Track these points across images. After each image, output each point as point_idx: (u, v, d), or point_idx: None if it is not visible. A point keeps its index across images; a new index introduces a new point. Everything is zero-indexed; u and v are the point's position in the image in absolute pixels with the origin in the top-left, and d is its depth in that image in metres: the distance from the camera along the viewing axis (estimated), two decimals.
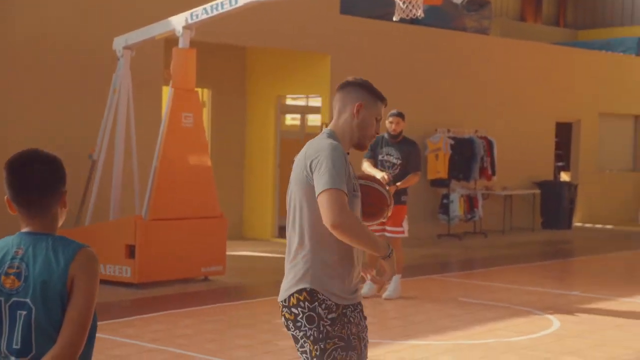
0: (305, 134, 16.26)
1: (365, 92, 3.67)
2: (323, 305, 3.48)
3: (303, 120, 16.59)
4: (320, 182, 3.43)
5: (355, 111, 3.63)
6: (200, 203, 10.43)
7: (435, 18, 16.13)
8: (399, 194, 9.12)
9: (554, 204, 17.48)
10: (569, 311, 9.02)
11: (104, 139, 10.61)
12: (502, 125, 17.04)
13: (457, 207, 15.54)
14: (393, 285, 9.25)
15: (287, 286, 3.55)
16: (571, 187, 17.75)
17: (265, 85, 14.96)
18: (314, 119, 16.55)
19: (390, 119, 9.37)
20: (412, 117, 15.21)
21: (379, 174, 8.67)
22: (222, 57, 14.69)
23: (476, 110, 16.60)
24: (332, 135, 3.60)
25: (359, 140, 3.64)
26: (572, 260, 13.92)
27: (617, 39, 21.09)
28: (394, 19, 9.79)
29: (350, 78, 3.74)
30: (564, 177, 19.57)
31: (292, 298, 3.51)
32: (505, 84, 17.35)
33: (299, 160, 3.61)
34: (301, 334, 3.49)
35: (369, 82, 3.72)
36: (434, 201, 15.81)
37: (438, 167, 15.38)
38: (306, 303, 3.48)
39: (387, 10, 11.87)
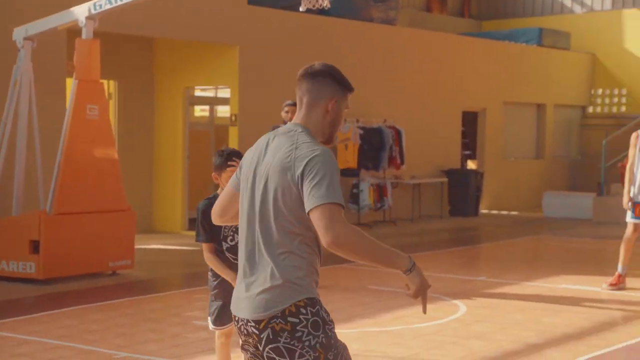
0: (214, 126, 16.17)
1: (336, 85, 3.37)
2: (324, 308, 3.19)
3: (212, 111, 16.49)
4: (318, 194, 3.06)
5: (329, 108, 3.32)
6: (107, 196, 10.27)
7: (342, 9, 16.23)
8: None
9: (461, 191, 17.83)
10: (476, 296, 9.23)
11: (5, 133, 10.34)
12: (410, 115, 17.28)
13: (366, 196, 15.70)
14: None
15: (279, 298, 3.13)
16: (477, 175, 18.13)
17: (173, 77, 14.80)
18: (223, 110, 16.46)
19: (286, 108, 9.42)
20: None
21: None
22: (129, 49, 14.46)
23: (384, 100, 16.78)
24: (309, 133, 3.26)
25: (329, 135, 3.34)
26: (479, 246, 14.23)
27: (519, 29, 21.61)
28: (301, 9, 9.81)
29: (317, 65, 3.41)
30: (471, 165, 19.98)
31: (290, 306, 3.14)
32: (413, 74, 17.58)
33: (281, 160, 3.18)
34: (301, 344, 3.09)
35: (338, 70, 3.44)
36: (343, 191, 15.87)
37: (347, 157, 15.50)
38: (308, 309, 3.12)
39: (294, 0, 11.89)
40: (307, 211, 3.07)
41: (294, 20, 14.97)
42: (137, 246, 10.95)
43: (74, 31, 10.79)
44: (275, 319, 3.11)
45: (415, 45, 17.77)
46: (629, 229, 9.46)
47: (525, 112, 21.13)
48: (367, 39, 16.53)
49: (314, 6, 9.64)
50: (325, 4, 9.51)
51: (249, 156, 3.34)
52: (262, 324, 3.13)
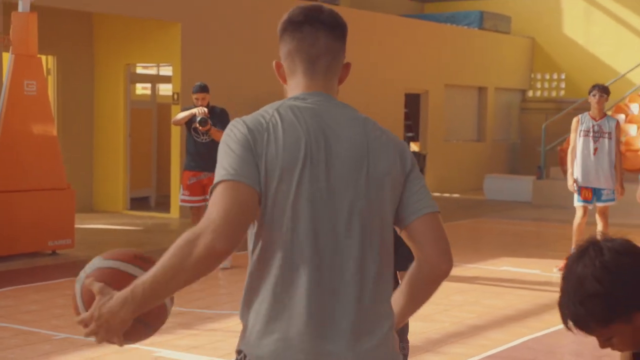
0: (156, 104, 15.96)
1: (344, 46, 2.60)
2: None
3: (154, 89, 16.27)
4: (428, 198, 2.46)
5: (346, 73, 2.66)
6: (46, 174, 10.07)
7: None
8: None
9: None
10: None
11: None
12: (352, 97, 17.26)
13: None
14: None
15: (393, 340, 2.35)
16: (420, 157, 18.22)
17: (113, 53, 14.54)
18: (165, 89, 16.25)
19: (195, 96, 9.39)
20: (261, 86, 15.19)
21: (195, 109, 9.21)
22: (68, 23, 14.16)
23: None
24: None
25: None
26: None
27: (461, 12, 21.74)
28: None
29: (330, 13, 2.56)
30: (414, 147, 20.08)
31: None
32: (355, 56, 17.54)
33: (387, 154, 2.36)
34: None
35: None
36: None
37: None
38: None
39: None
40: None
41: None
42: (77, 225, 10.77)
43: (10, 4, 10.51)
44: None
45: (358, 26, 17.74)
46: (578, 213, 9.56)
47: (467, 94, 21.32)
48: None
49: None
50: None
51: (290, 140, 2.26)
52: None
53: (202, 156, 9.31)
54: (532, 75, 22.73)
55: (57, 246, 10.10)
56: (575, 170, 9.56)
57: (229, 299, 8.13)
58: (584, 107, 18.26)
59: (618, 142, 9.57)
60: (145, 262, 2.39)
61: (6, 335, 6.50)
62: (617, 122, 9.64)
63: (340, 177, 2.27)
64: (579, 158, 9.53)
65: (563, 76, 22.24)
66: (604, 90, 9.50)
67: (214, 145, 9.34)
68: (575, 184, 9.53)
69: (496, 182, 18.62)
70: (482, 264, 10.33)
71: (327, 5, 2.47)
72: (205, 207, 9.54)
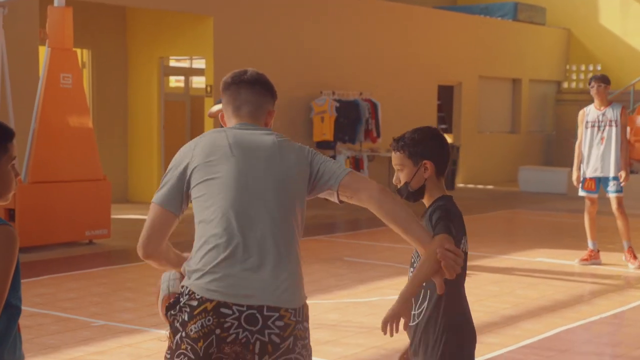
0: (190, 97, 16.06)
1: (271, 97, 3.28)
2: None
3: (187, 82, 16.36)
4: (337, 166, 3.14)
5: (269, 121, 3.28)
6: (82, 165, 10.20)
7: None
8: None
9: None
10: None
11: None
12: (386, 88, 17.25)
13: None
14: None
15: (300, 293, 2.91)
16: (453, 148, 18.16)
17: (147, 47, 14.65)
18: (198, 81, 16.35)
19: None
20: (298, 79, 15.24)
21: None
22: (102, 17, 14.29)
23: (361, 72, 16.73)
24: None
25: None
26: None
27: (495, 4, 21.60)
28: None
29: (252, 75, 3.25)
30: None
31: (304, 309, 2.92)
32: (389, 47, 17.54)
33: (290, 152, 3.09)
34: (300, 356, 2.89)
35: (268, 80, 3.32)
36: None
37: (324, 130, 15.46)
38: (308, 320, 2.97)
39: None
40: None
41: None
42: (113, 216, 10.89)
43: None
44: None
45: (392, 18, 17.71)
46: (587, 203, 9.57)
47: (501, 86, 21.18)
48: (343, 11, 16.45)
49: None
50: None
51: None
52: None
53: None
54: (568, 67, 22.53)
55: (94, 236, 10.23)
56: (583, 163, 9.51)
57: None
58: (621, 99, 18.08)
59: (624, 128, 9.53)
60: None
61: (46, 322, 6.61)
62: (623, 108, 9.61)
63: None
64: (587, 149, 9.49)
65: (599, 67, 22.01)
66: (601, 80, 9.48)
67: None
68: (578, 179, 9.50)
69: (531, 173, 18.50)
70: (516, 255, 10.29)
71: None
72: None
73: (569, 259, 9.89)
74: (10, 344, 2.61)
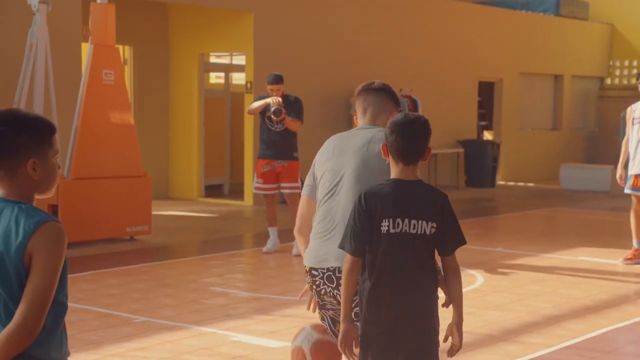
0: (230, 93, 16.10)
1: (393, 101, 4.04)
2: None
3: (227, 78, 16.41)
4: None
5: (388, 119, 3.82)
6: (124, 162, 10.26)
7: None
8: (291, 150, 9.30)
9: (478, 162, 17.73)
10: (493, 267, 9.18)
11: (22, 97, 10.28)
12: (426, 85, 17.15)
13: None
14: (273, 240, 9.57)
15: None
16: (494, 145, 18.02)
17: (188, 43, 14.72)
18: (238, 78, 16.38)
19: (269, 87, 9.44)
20: (337, 75, 15.20)
21: (270, 99, 9.23)
22: (143, 14, 14.38)
23: (400, 70, 16.65)
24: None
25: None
26: (496, 217, 14.17)
27: None
28: None
29: (377, 83, 4.04)
30: (487, 136, 19.86)
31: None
32: (428, 44, 17.43)
33: (375, 156, 3.80)
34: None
35: (391, 87, 4.11)
36: None
37: None
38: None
39: None
40: None
41: None
42: (154, 212, 10.95)
43: None
44: None
45: (431, 14, 17.60)
46: (633, 201, 9.42)
47: (542, 82, 20.96)
48: (382, 8, 16.37)
49: None
50: None
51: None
52: None
53: (276, 145, 9.37)
54: (611, 63, 22.23)
55: (135, 232, 10.29)
56: (630, 161, 9.36)
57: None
58: None
59: None
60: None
61: (88, 317, 6.65)
62: None
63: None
64: (634, 146, 9.32)
65: None
66: None
67: (287, 134, 9.40)
68: (622, 176, 9.35)
69: (572, 171, 18.27)
70: (558, 253, 10.16)
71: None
72: (278, 194, 9.63)
73: (612, 258, 9.75)
74: (56, 340, 2.61)
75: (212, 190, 15.19)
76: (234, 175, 15.57)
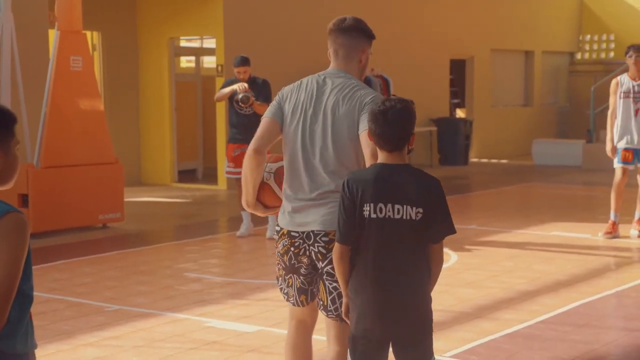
0: (201, 77, 16.00)
1: (365, 38, 3.91)
2: None
3: (198, 62, 16.30)
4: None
5: (363, 58, 3.91)
6: (94, 149, 10.18)
7: None
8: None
9: (451, 140, 17.78)
10: (466, 245, 9.22)
11: None
12: (397, 64, 17.13)
13: None
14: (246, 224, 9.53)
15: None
16: (467, 123, 18.07)
17: (157, 27, 14.59)
18: (209, 61, 16.28)
19: (236, 70, 9.40)
20: (307, 56, 15.13)
21: (236, 86, 9.23)
22: None
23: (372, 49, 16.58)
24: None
25: (361, 78, 3.94)
26: (469, 195, 14.23)
27: None
28: None
29: (349, 21, 3.90)
30: (460, 113, 19.90)
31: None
32: (399, 23, 17.40)
33: (352, 107, 3.75)
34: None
35: (364, 23, 3.93)
36: None
37: None
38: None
39: None
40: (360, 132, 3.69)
41: None
42: (126, 199, 10.89)
43: None
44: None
45: None
46: (617, 174, 9.44)
47: (513, 59, 21.01)
48: None
49: None
50: None
51: (297, 93, 3.85)
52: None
53: (245, 128, 9.33)
54: (581, 37, 22.32)
55: (108, 219, 10.23)
56: (615, 134, 9.40)
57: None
58: None
59: None
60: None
61: (60, 307, 6.61)
62: None
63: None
64: (620, 120, 9.37)
65: (612, 37, 21.79)
66: None
67: (256, 117, 9.34)
68: (613, 149, 9.39)
69: (545, 146, 18.38)
70: (531, 229, 10.22)
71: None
72: None
73: (585, 233, 9.82)
74: (22, 333, 2.58)
75: (186, 175, 15.13)
76: (207, 159, 15.51)
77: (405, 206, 3.32)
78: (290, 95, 3.87)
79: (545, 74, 21.68)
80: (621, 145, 9.36)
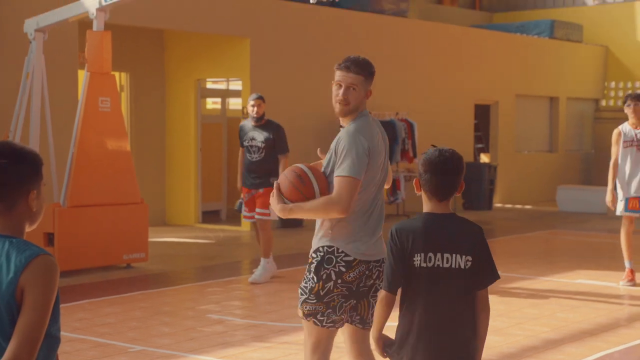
0: (226, 118, 16.13)
1: (368, 81, 4.44)
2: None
3: (224, 104, 16.44)
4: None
5: (367, 96, 4.50)
6: (120, 189, 10.25)
7: (352, 0, 16.16)
8: (268, 177, 9.24)
9: (475, 185, 17.74)
10: (491, 291, 9.12)
11: (17, 125, 10.31)
12: (422, 108, 17.20)
13: None
14: (260, 269, 9.43)
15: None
16: (491, 168, 18.04)
17: (184, 69, 14.76)
18: (235, 103, 16.41)
19: (252, 102, 9.43)
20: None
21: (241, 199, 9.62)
22: (140, 41, 14.43)
23: (396, 93, 16.70)
24: None
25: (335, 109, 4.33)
26: (493, 240, 14.15)
27: (531, 22, 21.48)
28: (311, 1, 9.75)
29: (358, 60, 4.45)
30: (484, 158, 19.88)
31: None
32: (424, 67, 17.49)
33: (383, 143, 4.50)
34: None
35: (368, 64, 4.48)
36: None
37: None
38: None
39: None
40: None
41: (304, 12, 14.90)
42: (150, 239, 10.93)
43: (85, 23, 10.75)
44: None
45: (427, 37, 17.68)
46: (625, 223, 9.43)
47: (538, 105, 21.02)
48: (378, 31, 16.45)
49: None
50: None
51: (377, 143, 4.42)
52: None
53: (254, 173, 9.39)
54: (606, 84, 22.31)
55: (132, 259, 10.26)
56: (621, 183, 9.37)
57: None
58: None
59: None
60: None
61: (84, 347, 6.62)
62: None
63: None
64: (625, 169, 9.34)
65: (638, 84, 21.76)
66: (638, 98, 9.32)
67: (264, 163, 9.38)
68: (613, 199, 9.35)
69: (569, 193, 18.29)
70: (556, 276, 10.15)
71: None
72: (258, 221, 9.53)
73: (610, 281, 9.73)
74: None
75: (210, 216, 15.17)
76: (231, 200, 15.57)
77: (454, 255, 3.37)
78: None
79: (570, 120, 21.65)
80: (630, 193, 9.32)
